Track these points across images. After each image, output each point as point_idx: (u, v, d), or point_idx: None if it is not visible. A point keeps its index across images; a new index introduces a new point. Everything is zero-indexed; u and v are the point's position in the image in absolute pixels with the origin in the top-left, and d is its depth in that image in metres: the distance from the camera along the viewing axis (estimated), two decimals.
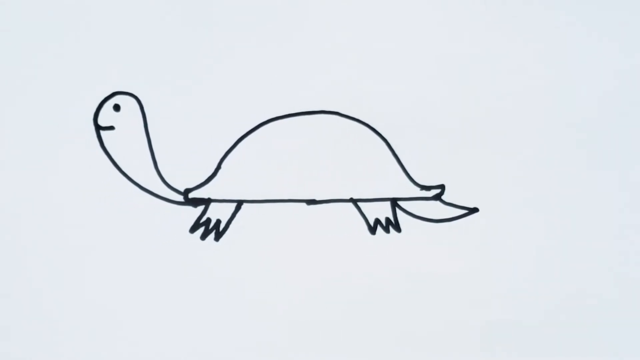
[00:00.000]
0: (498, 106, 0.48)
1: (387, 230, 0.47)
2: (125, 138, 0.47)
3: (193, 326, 0.47)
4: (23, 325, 0.47)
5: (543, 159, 0.48)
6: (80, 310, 0.47)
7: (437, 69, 0.48)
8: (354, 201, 0.47)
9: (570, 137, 0.48)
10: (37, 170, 0.47)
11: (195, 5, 0.48)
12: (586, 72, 0.49)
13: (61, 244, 0.47)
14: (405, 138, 0.48)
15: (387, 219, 0.48)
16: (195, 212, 0.47)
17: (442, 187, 0.48)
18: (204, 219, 0.47)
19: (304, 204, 0.47)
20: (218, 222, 0.47)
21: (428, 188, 0.48)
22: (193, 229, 0.47)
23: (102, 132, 0.47)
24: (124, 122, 0.47)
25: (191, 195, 0.47)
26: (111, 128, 0.47)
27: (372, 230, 0.47)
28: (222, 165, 0.47)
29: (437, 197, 0.48)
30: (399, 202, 0.48)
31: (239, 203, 0.47)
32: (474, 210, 0.48)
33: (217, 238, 0.47)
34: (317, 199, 0.47)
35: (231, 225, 0.47)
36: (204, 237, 0.47)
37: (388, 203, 0.48)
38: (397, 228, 0.48)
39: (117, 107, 0.47)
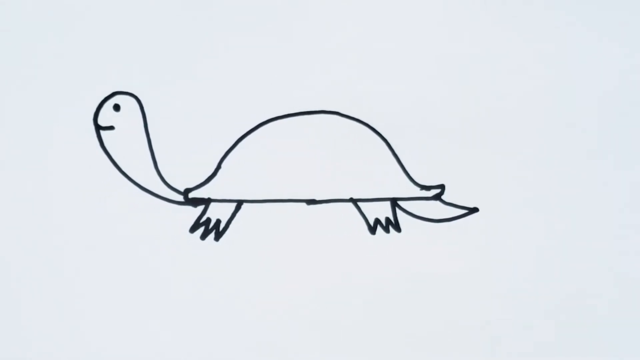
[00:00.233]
0: (498, 106, 0.48)
1: (387, 230, 0.47)
2: (125, 138, 0.47)
3: (193, 326, 0.47)
4: (23, 325, 0.47)
5: (543, 159, 0.48)
6: (80, 311, 0.47)
7: (437, 69, 0.48)
8: (354, 201, 0.47)
9: (570, 137, 0.48)
10: (37, 170, 0.47)
11: (195, 5, 0.48)
12: (586, 72, 0.49)
13: (61, 244, 0.47)
14: (405, 138, 0.48)
15: (387, 219, 0.47)
16: (195, 212, 0.47)
17: (442, 187, 0.48)
18: (204, 219, 0.47)
19: (304, 204, 0.47)
20: (218, 222, 0.47)
21: (428, 188, 0.48)
22: (193, 229, 0.47)
23: (102, 132, 0.47)
24: (124, 122, 0.47)
25: (191, 195, 0.47)
26: (111, 128, 0.47)
27: (372, 230, 0.47)
28: (222, 165, 0.47)
29: (437, 197, 0.48)
30: (399, 202, 0.48)
31: (239, 203, 0.47)
32: (474, 210, 0.48)
33: (217, 238, 0.47)
34: (317, 199, 0.47)
35: (231, 225, 0.47)
36: (204, 237, 0.47)
37: (388, 203, 0.48)
38: (397, 228, 0.48)
39: (117, 107, 0.47)
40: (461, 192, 0.48)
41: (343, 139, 0.48)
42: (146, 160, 0.47)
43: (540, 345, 0.48)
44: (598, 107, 0.48)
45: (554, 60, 0.49)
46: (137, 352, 0.47)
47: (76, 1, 0.47)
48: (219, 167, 0.47)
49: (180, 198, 0.47)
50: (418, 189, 0.48)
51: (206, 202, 0.47)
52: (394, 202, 0.48)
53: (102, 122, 0.47)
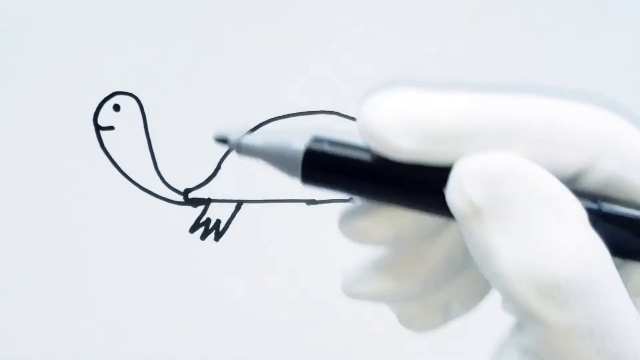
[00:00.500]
0: None
1: None
2: (125, 138, 0.47)
3: (193, 326, 0.47)
4: (22, 325, 0.47)
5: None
6: (80, 311, 0.47)
7: (437, 69, 0.48)
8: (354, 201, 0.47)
9: None
10: (37, 170, 0.47)
11: (195, 5, 0.48)
12: (587, 72, 0.49)
13: (60, 244, 0.47)
14: None
15: None
16: (195, 212, 0.47)
17: None
18: (204, 219, 0.47)
19: (304, 204, 0.47)
20: (218, 222, 0.47)
21: None
22: (193, 229, 0.47)
23: (102, 132, 0.47)
24: (124, 122, 0.47)
25: (191, 195, 0.47)
26: (111, 128, 0.47)
27: None
28: (222, 165, 0.47)
29: None
30: None
31: (239, 203, 0.47)
32: None
33: (217, 238, 0.47)
34: (317, 199, 0.47)
35: (231, 225, 0.47)
36: (204, 237, 0.47)
37: None
38: None
39: (117, 107, 0.47)
40: None
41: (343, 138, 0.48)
42: (146, 160, 0.47)
43: None
44: (600, 107, 0.48)
45: (554, 60, 0.49)
46: (137, 352, 0.47)
47: (76, 1, 0.47)
48: (219, 167, 0.47)
49: (180, 198, 0.47)
50: None
51: (206, 202, 0.47)
52: None
53: (102, 122, 0.47)
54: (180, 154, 0.47)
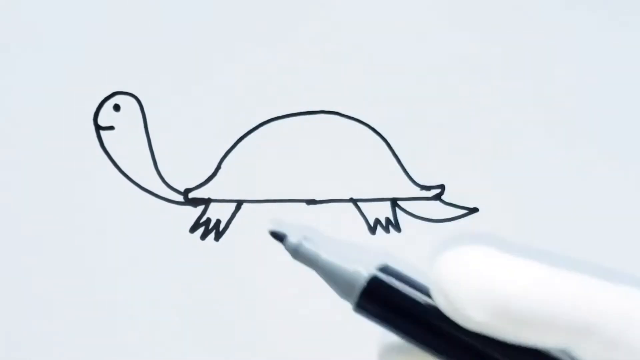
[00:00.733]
0: (499, 106, 0.48)
1: (387, 230, 0.47)
2: (125, 138, 0.47)
3: (192, 326, 0.47)
4: (22, 324, 0.47)
5: (544, 159, 0.48)
6: (80, 311, 0.47)
7: (437, 69, 0.48)
8: (354, 201, 0.47)
9: (571, 137, 0.48)
10: (37, 170, 0.47)
11: (195, 5, 0.48)
12: (587, 73, 0.49)
13: (60, 244, 0.47)
14: (405, 138, 0.48)
15: (387, 219, 0.48)
16: (195, 212, 0.47)
17: (442, 187, 0.48)
18: (204, 219, 0.47)
19: (304, 204, 0.47)
20: (218, 222, 0.47)
21: (428, 188, 0.48)
22: (193, 229, 0.47)
23: (102, 132, 0.47)
24: (124, 122, 0.47)
25: (191, 195, 0.47)
26: (111, 128, 0.47)
27: (372, 230, 0.47)
28: (222, 165, 0.47)
29: (437, 197, 0.48)
30: (399, 202, 0.48)
31: (239, 203, 0.47)
32: (474, 210, 0.48)
33: (217, 238, 0.47)
34: (317, 199, 0.47)
35: (231, 225, 0.47)
36: (204, 237, 0.47)
37: (388, 203, 0.48)
38: (397, 228, 0.48)
39: (117, 107, 0.47)
40: (461, 192, 0.48)
41: (343, 139, 0.48)
42: (146, 160, 0.47)
43: None
44: (599, 107, 0.48)
45: (555, 61, 0.49)
46: (137, 352, 0.47)
47: (76, 1, 0.47)
48: (219, 167, 0.47)
49: (180, 198, 0.47)
50: (418, 189, 0.48)
51: (206, 202, 0.47)
52: (394, 202, 0.48)
53: (102, 122, 0.47)
54: (180, 154, 0.47)
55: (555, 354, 0.17)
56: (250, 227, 0.47)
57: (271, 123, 0.47)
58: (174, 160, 0.47)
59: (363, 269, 0.19)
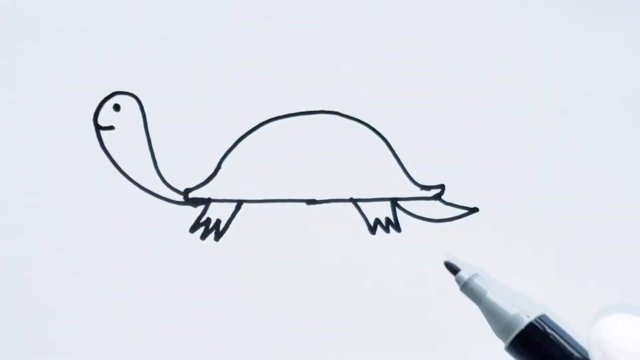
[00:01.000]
0: (499, 106, 0.48)
1: (387, 230, 0.47)
2: (125, 138, 0.47)
3: (192, 326, 0.47)
4: (22, 324, 0.47)
5: (544, 159, 0.48)
6: (79, 311, 0.47)
7: (438, 69, 0.48)
8: (354, 201, 0.47)
9: (571, 137, 0.48)
10: (37, 170, 0.47)
11: (195, 5, 0.48)
12: (588, 73, 0.49)
13: (60, 244, 0.47)
14: (405, 138, 0.48)
15: (387, 219, 0.47)
16: (195, 212, 0.47)
17: (442, 187, 0.48)
18: (204, 219, 0.47)
19: (304, 204, 0.47)
20: (218, 222, 0.47)
21: (428, 188, 0.48)
22: (193, 229, 0.47)
23: (102, 132, 0.47)
24: (124, 122, 0.47)
25: (191, 195, 0.47)
26: (111, 128, 0.47)
27: (372, 230, 0.47)
28: (222, 165, 0.47)
29: (437, 197, 0.48)
30: (399, 202, 0.48)
31: (239, 203, 0.47)
32: (474, 210, 0.48)
33: (217, 238, 0.47)
34: (317, 199, 0.47)
35: (231, 225, 0.47)
36: (204, 237, 0.47)
37: (388, 203, 0.48)
38: (397, 228, 0.47)
39: (117, 107, 0.47)
40: (461, 192, 0.48)
41: (343, 139, 0.48)
42: (146, 160, 0.47)
43: None
44: (600, 107, 0.48)
45: (555, 61, 0.49)
46: (136, 352, 0.47)
47: (76, 1, 0.47)
48: (219, 167, 0.47)
49: (180, 198, 0.47)
50: (418, 189, 0.48)
51: (206, 202, 0.47)
52: (394, 202, 0.48)
53: (102, 122, 0.47)
54: (180, 154, 0.47)
55: None
56: (250, 227, 0.47)
57: (271, 123, 0.47)
58: (174, 160, 0.47)
59: (524, 314, 0.21)
